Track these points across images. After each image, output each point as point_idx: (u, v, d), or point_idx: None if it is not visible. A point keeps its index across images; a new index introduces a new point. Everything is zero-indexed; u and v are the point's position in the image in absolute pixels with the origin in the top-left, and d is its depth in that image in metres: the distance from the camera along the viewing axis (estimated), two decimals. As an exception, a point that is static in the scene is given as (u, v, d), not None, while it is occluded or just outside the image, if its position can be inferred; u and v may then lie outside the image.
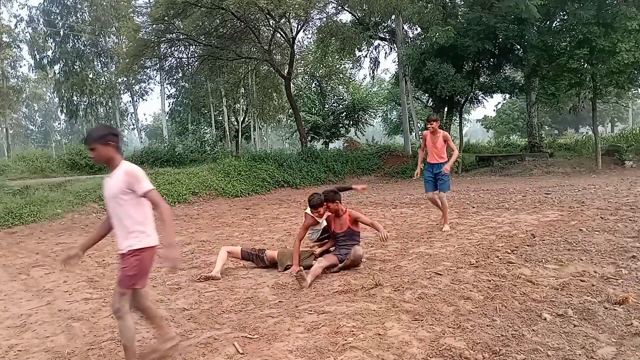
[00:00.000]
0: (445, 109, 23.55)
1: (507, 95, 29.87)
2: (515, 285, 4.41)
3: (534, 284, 4.44)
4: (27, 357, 3.51)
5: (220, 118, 30.52)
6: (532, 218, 8.06)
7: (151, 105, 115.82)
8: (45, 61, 31.91)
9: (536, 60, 19.70)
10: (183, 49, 25.58)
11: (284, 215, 10.60)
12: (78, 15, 31.32)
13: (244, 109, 32.00)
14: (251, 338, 3.59)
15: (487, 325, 3.53)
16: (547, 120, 41.88)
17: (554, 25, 20.79)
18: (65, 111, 33.13)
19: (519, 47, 21.43)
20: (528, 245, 5.96)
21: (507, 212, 8.92)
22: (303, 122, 26.17)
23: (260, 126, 35.08)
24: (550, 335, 3.29)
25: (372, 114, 34.49)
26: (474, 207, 9.95)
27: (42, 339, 3.88)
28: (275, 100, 29.96)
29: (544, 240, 6.21)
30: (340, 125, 32.54)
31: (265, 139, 42.40)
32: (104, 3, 29.30)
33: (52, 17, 30.83)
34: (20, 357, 3.53)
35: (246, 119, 32.57)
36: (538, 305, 3.88)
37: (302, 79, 32.11)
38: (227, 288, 5.00)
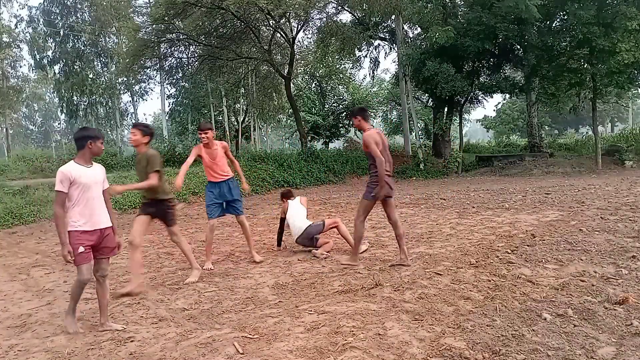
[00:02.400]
0: (445, 109, 23.55)
1: (507, 95, 29.90)
2: (515, 285, 4.41)
3: (534, 284, 4.44)
4: (27, 357, 3.51)
5: (220, 118, 30.51)
6: (532, 218, 8.06)
7: (151, 105, 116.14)
8: (45, 61, 31.88)
9: (536, 60, 19.72)
10: (183, 49, 25.55)
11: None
12: (78, 15, 31.30)
13: (244, 109, 31.99)
14: (251, 338, 3.59)
15: (487, 325, 3.53)
16: (547, 120, 41.89)
17: (554, 25, 20.81)
18: (65, 111, 33.11)
19: (519, 47, 21.45)
20: (528, 245, 5.96)
21: (507, 212, 8.92)
22: (303, 122, 26.16)
23: (260, 126, 35.09)
24: (550, 335, 3.29)
25: (372, 114, 34.49)
26: (474, 207, 9.95)
27: (42, 339, 3.88)
28: (275, 100, 29.94)
29: (544, 240, 6.21)
30: (340, 125, 32.54)
31: (265, 139, 42.41)
32: (104, 3, 29.26)
33: (52, 17, 30.81)
34: (20, 357, 3.53)
35: (246, 119, 32.57)
36: (538, 305, 3.88)
37: (302, 79, 32.11)
38: (227, 288, 5.00)
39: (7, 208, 11.01)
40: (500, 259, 5.40)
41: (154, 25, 21.42)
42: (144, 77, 30.87)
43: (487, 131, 50.07)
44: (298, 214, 6.59)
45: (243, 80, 27.46)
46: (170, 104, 32.28)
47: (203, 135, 5.95)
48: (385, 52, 30.69)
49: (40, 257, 7.37)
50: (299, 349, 3.33)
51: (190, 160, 5.97)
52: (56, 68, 31.94)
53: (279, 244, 7.01)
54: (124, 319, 4.22)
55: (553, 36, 19.62)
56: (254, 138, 32.00)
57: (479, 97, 25.49)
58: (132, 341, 3.70)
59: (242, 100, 31.22)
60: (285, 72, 23.31)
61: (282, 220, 6.84)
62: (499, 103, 46.76)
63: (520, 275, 4.70)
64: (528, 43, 19.83)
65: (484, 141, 41.09)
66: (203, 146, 6.05)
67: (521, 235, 6.63)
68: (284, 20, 21.66)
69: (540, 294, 4.15)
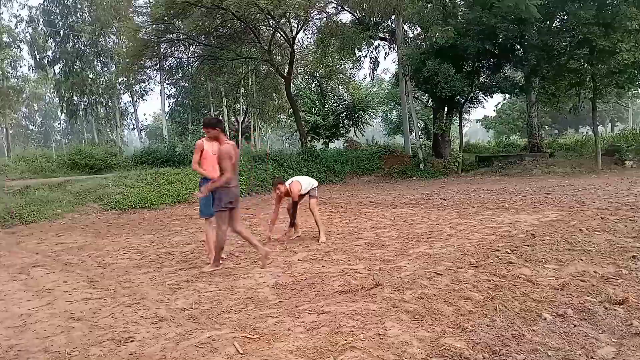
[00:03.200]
0: (445, 109, 23.55)
1: (507, 95, 29.88)
2: (515, 285, 4.41)
3: (534, 284, 4.44)
4: (28, 357, 3.51)
5: (221, 118, 30.51)
6: (532, 218, 8.06)
7: (151, 105, 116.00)
8: (45, 61, 31.91)
9: (536, 60, 19.71)
10: (183, 49, 25.57)
11: (284, 215, 10.58)
12: (78, 15, 31.32)
13: (244, 109, 32.00)
14: (251, 338, 3.58)
15: (487, 325, 3.53)
16: (547, 120, 41.86)
17: (554, 25, 20.81)
18: (65, 111, 33.13)
19: (519, 47, 21.45)
20: (528, 245, 5.96)
21: (507, 212, 8.92)
22: (303, 122, 26.17)
23: (260, 126, 35.09)
24: (551, 335, 3.29)
25: (372, 114, 34.49)
26: (474, 207, 9.95)
27: (42, 339, 3.87)
28: (275, 100, 29.97)
29: (544, 240, 6.21)
30: (340, 125, 32.54)
31: (265, 139, 42.40)
32: (104, 3, 29.27)
33: (52, 17, 30.82)
34: (21, 357, 3.52)
35: (246, 119, 32.58)
36: (538, 305, 3.88)
37: (302, 79, 32.11)
38: (227, 288, 5.00)
39: (7, 208, 11.01)
40: (501, 259, 5.40)
41: (154, 25, 21.45)
42: (144, 77, 30.84)
43: (487, 131, 50.06)
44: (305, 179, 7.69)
45: (243, 80, 27.47)
46: (170, 104, 32.32)
47: (206, 130, 5.99)
48: (385, 52, 30.72)
49: (40, 257, 7.36)
50: (299, 349, 3.33)
51: (197, 158, 6.18)
52: (56, 68, 31.97)
53: (291, 225, 7.88)
54: (124, 319, 4.22)
55: (553, 36, 19.63)
56: (254, 138, 32.02)
57: (479, 97, 25.49)
58: (132, 341, 3.69)
59: (242, 100, 31.23)
60: (285, 72, 23.32)
61: (295, 204, 7.70)
62: (499, 103, 46.73)
63: (520, 275, 4.70)
64: (528, 43, 19.84)
65: (484, 141, 41.07)
66: (207, 140, 6.13)
67: (521, 235, 6.63)
68: (284, 20, 21.66)
69: (540, 294, 4.14)
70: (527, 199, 10.75)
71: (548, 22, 20.51)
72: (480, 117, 49.40)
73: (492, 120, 46.43)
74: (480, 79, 22.81)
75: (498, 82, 21.72)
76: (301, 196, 7.52)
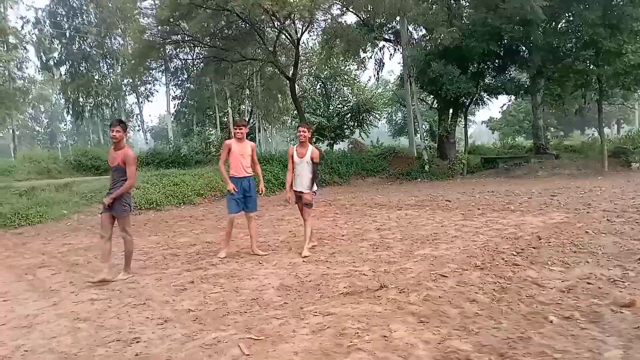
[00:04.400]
0: (450, 111, 23.49)
1: (513, 97, 29.76)
2: (521, 288, 4.40)
3: (541, 286, 4.43)
4: (34, 358, 3.52)
5: (225, 119, 30.55)
6: (538, 220, 8.03)
7: (156, 106, 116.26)
8: (51, 62, 32.05)
9: (542, 62, 19.66)
10: (188, 50, 25.66)
11: (289, 216, 10.60)
12: (84, 17, 31.47)
13: (249, 110, 32.04)
14: (256, 339, 3.59)
15: (494, 328, 3.52)
16: (552, 122, 41.72)
17: (559, 26, 20.74)
18: (71, 112, 33.28)
19: (524, 48, 21.38)
20: (534, 248, 5.94)
21: (513, 214, 8.90)
22: (308, 124, 26.17)
23: (265, 127, 35.13)
24: (557, 338, 3.28)
25: (376, 115, 34.44)
26: (479, 209, 9.92)
27: (48, 339, 3.88)
28: (280, 102, 29.97)
29: (550, 242, 6.19)
30: (345, 126, 32.52)
31: (270, 140, 42.45)
32: (110, 5, 29.41)
33: (58, 18, 30.98)
34: (27, 357, 3.54)
35: (251, 120, 32.61)
36: (545, 308, 3.87)
37: (307, 80, 32.12)
38: (232, 289, 5.00)
39: (14, 209, 11.06)
40: (506, 261, 5.39)
41: (159, 27, 21.52)
42: (150, 78, 31.01)
43: (492, 133, 49.95)
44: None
45: (248, 81, 27.50)
46: (176, 105, 32.39)
47: (238, 131, 6.53)
48: (390, 54, 30.63)
49: (46, 257, 7.39)
50: (305, 351, 3.33)
51: (224, 156, 6.58)
52: (62, 69, 32.10)
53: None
54: (130, 319, 4.23)
55: (559, 37, 19.56)
56: (259, 139, 32.05)
57: (484, 99, 25.41)
58: (137, 342, 3.70)
59: (247, 101, 31.27)
60: (290, 73, 23.33)
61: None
62: (504, 105, 46.66)
63: (527, 278, 4.69)
64: (533, 44, 19.76)
65: (489, 143, 40.94)
66: (236, 140, 6.56)
67: (527, 238, 6.61)
68: (288, 21, 21.68)
69: (547, 297, 4.13)
70: (532, 200, 10.72)
71: (554, 23, 20.45)
72: (485, 119, 49.31)
73: (498, 121, 46.31)
74: (486, 80, 22.74)
75: (503, 84, 21.65)
76: (299, 198, 6.68)
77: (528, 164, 21.04)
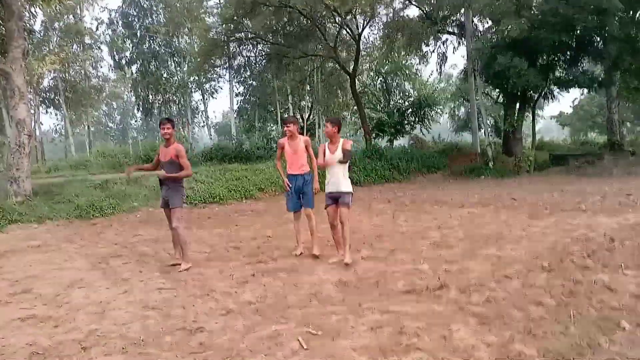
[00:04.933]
0: (517, 105, 22.60)
1: (585, 90, 28.21)
2: (591, 292, 4.19)
3: (612, 291, 4.20)
4: (105, 342, 3.73)
5: (286, 115, 31.01)
6: (611, 221, 7.59)
7: (220, 103, 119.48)
8: (123, 61, 33.66)
9: (618, 53, 18.46)
10: (251, 47, 26.20)
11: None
12: (154, 17, 32.83)
13: (309, 106, 32.30)
14: (315, 334, 3.63)
15: (560, 333, 3.38)
16: (629, 117, 39.16)
17: (637, 15, 19.40)
18: (141, 109, 34.86)
19: (598, 39, 20.18)
20: (606, 250, 5.64)
21: (584, 215, 8.46)
22: (367, 119, 26.03)
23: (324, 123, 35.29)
24: (629, 346, 3.10)
25: (438, 110, 33.70)
26: (547, 209, 9.51)
27: (119, 325, 4.10)
28: (340, 97, 30.00)
29: (624, 244, 5.84)
30: (406, 122, 32.06)
31: (330, 136, 42.60)
32: (178, 5, 30.49)
33: (129, 19, 32.47)
34: (100, 341, 3.75)
35: (311, 116, 32.86)
36: (616, 314, 3.67)
37: (367, 75, 31.93)
38: (292, 284, 5.08)
39: (89, 200, 11.73)
40: (576, 263, 5.14)
41: (223, 25, 22.12)
42: (214, 75, 31.93)
43: (563, 128, 47.62)
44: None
45: (309, 77, 27.72)
46: (239, 101, 33.15)
47: (286, 128, 6.35)
48: (454, 47, 29.73)
49: (118, 247, 7.79)
50: (363, 348, 3.34)
51: (279, 154, 6.54)
52: (133, 68, 33.64)
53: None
54: (195, 310, 4.39)
55: (637, 27, 18.30)
56: (318, 135, 32.25)
57: (554, 93, 24.23)
58: (201, 331, 3.84)
59: (308, 97, 31.52)
60: (351, 68, 23.29)
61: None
62: (575, 99, 44.31)
63: (597, 281, 4.45)
64: (609, 35, 18.59)
65: (558, 139, 39.07)
66: (288, 138, 6.40)
67: (599, 239, 6.27)
68: (350, 16, 21.65)
69: (619, 302, 3.91)
70: (606, 200, 10.14)
71: (631, 12, 19.16)
72: (555, 114, 47.05)
73: (568, 116, 44.08)
74: (556, 73, 21.65)
75: (575, 76, 20.52)
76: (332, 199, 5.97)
77: (601, 162, 19.87)
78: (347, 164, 5.91)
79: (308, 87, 29.54)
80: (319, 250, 6.38)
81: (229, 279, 5.44)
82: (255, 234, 8.43)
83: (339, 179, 5.82)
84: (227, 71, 28.75)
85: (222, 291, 4.94)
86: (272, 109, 31.74)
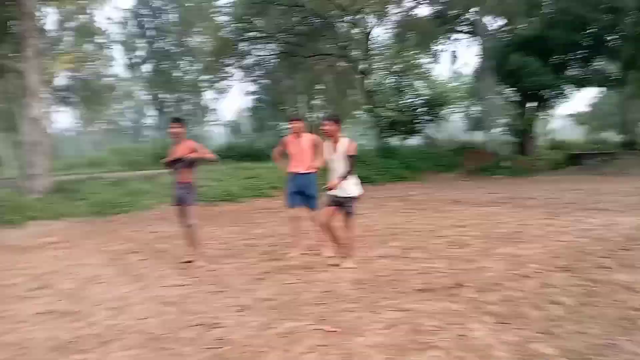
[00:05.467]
0: (531, 104, 22.41)
1: (600, 89, 27.89)
2: (610, 292, 4.14)
3: (632, 290, 4.15)
4: (124, 337, 3.77)
5: (294, 113, 31.00)
6: (629, 220, 7.51)
7: (232, 102, 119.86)
8: (136, 61, 33.92)
9: (633, 52, 18.22)
10: (262, 46, 26.25)
11: (360, 210, 10.59)
12: (165, 16, 33.02)
13: (321, 105, 32.29)
14: (332, 331, 3.63)
15: (580, 332, 3.35)
16: (646, 116, 38.62)
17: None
18: (154, 108, 35.11)
19: (612, 38, 19.93)
20: (625, 250, 5.57)
21: (601, 214, 8.37)
22: (379, 118, 25.97)
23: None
24: (650, 346, 3.07)
25: (451, 109, 33.50)
26: (564, 208, 9.43)
27: (137, 320, 4.14)
28: (351, 96, 29.95)
29: (643, 244, 5.77)
30: (418, 121, 31.92)
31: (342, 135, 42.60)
32: (189, 4, 30.65)
33: (141, 18, 32.70)
34: (119, 336, 3.79)
35: (322, 115, 32.87)
36: (636, 314, 3.63)
37: (378, 74, 31.87)
38: (307, 281, 5.08)
39: (105, 198, 11.86)
40: (594, 263, 5.09)
41: (234, 24, 22.20)
42: (226, 74, 32.09)
43: (577, 127, 47.10)
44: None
45: (320, 76, 27.72)
46: (250, 100, 33.27)
47: (291, 126, 6.30)
48: (466, 46, 29.63)
49: (135, 244, 7.87)
50: (379, 345, 3.34)
51: (279, 151, 6.44)
52: (146, 67, 33.88)
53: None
54: (211, 305, 4.41)
55: (652, 25, 18.04)
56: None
57: (567, 92, 23.99)
58: (218, 327, 3.86)
59: (319, 96, 31.51)
60: (362, 67, 23.25)
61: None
62: (590, 97, 43.79)
63: (617, 282, 4.40)
64: (623, 33, 18.36)
65: (574, 138, 38.68)
66: (293, 135, 6.32)
67: (618, 239, 6.20)
68: (360, 15, 21.61)
69: (639, 302, 3.87)
70: (623, 200, 10.02)
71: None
72: (568, 113, 46.52)
73: (583, 115, 43.59)
74: (569, 72, 21.43)
75: (589, 76, 20.32)
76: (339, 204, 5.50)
77: (617, 161, 19.65)
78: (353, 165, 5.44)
79: (319, 86, 29.53)
80: (329, 252, 6.21)
81: (244, 275, 5.46)
82: (271, 231, 8.46)
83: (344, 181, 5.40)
84: (239, 70, 28.84)
85: (237, 288, 4.97)
86: (284, 108, 31.81)
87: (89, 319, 4.22)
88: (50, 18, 23.05)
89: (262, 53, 27.07)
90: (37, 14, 13.99)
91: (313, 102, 32.22)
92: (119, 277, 5.71)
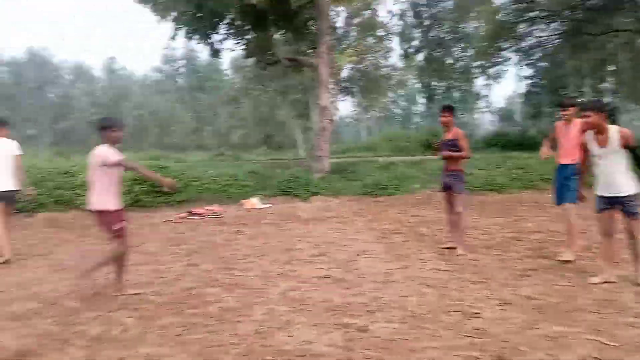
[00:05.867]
0: None
1: None
2: None
3: None
4: (387, 310, 4.07)
5: (581, 99, 27.69)
6: None
7: (505, 87, 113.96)
8: (410, 50, 35.23)
9: None
10: (543, 27, 24.18)
11: None
12: (442, 5, 33.33)
13: (612, 88, 28.08)
14: (608, 345, 3.22)
15: None
16: None
17: None
18: (424, 96, 36.08)
19: None
20: None
21: None
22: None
23: (630, 108, 30.20)
24: None
25: None
26: None
27: (399, 297, 4.41)
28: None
29: None
30: None
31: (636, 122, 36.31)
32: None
33: (418, 9, 33.71)
34: (382, 308, 4.12)
35: (613, 100, 28.58)
36: None
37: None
38: (581, 285, 4.58)
39: (375, 180, 12.83)
40: None
41: (513, 6, 21.01)
42: (500, 59, 30.72)
43: None
44: None
45: (612, 56, 24.06)
46: (525, 85, 31.16)
47: (563, 113, 5.75)
48: None
49: (399, 225, 8.34)
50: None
51: (551, 138, 5.95)
52: (420, 56, 34.93)
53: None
54: (471, 295, 4.39)
55: None
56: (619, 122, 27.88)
57: None
58: (477, 317, 3.83)
59: (610, 79, 27.43)
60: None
61: None
62: None
63: None
64: None
65: None
66: (563, 123, 5.78)
67: None
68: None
69: None
70: None
71: None
72: None
73: None
74: None
75: None
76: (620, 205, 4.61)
77: None
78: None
79: (611, 67, 25.67)
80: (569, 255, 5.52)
81: (506, 269, 5.25)
82: (539, 227, 7.87)
83: (617, 178, 4.54)
84: (515, 54, 27.26)
85: (499, 281, 4.81)
86: (565, 93, 28.80)
87: (357, 288, 4.70)
88: (340, 16, 25.68)
89: (542, 34, 24.98)
90: (331, 13, 15.82)
91: (601, 85, 28.28)
92: (384, 254, 6.15)
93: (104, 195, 4.47)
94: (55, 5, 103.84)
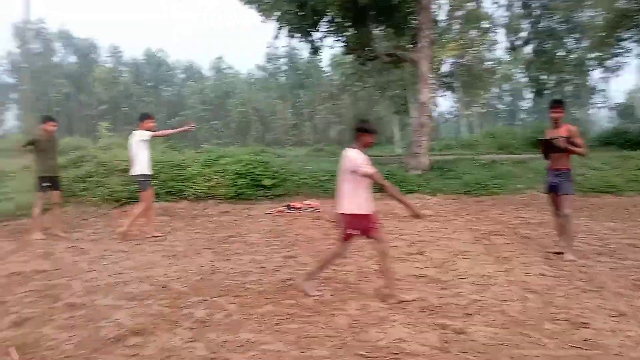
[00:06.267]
0: None
1: None
2: None
3: None
4: (486, 314, 3.92)
5: None
6: None
7: (625, 81, 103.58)
8: (517, 42, 33.33)
9: None
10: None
11: None
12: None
13: None
14: None
15: None
16: None
17: None
18: (531, 90, 33.99)
19: None
20: None
21: None
22: None
23: None
24: None
25: None
26: None
27: (499, 301, 4.22)
28: None
29: None
30: None
31: None
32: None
33: (528, -1, 31.76)
34: (481, 311, 3.97)
35: None
36: None
37: None
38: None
39: (476, 179, 12.30)
40: None
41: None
42: (620, 50, 28.10)
43: None
44: None
45: None
46: (650, 78, 28.25)
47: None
48: None
49: (500, 227, 7.93)
50: None
51: None
52: (527, 48, 32.96)
53: None
54: (580, 303, 4.10)
55: None
56: None
57: None
58: (587, 328, 3.58)
59: None
60: None
61: None
62: None
63: None
64: None
65: None
66: None
67: None
68: None
69: None
70: None
71: None
72: None
73: None
74: None
75: None
76: None
77: None
78: None
79: None
80: None
81: (621, 278, 4.83)
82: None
83: None
84: (637, 44, 24.79)
85: (613, 290, 4.44)
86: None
87: (455, 289, 4.58)
88: (442, 9, 25.02)
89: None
90: (432, 7, 15.43)
91: None
92: (484, 256, 5.91)
93: (354, 198, 4.36)
94: (168, 6, 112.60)
